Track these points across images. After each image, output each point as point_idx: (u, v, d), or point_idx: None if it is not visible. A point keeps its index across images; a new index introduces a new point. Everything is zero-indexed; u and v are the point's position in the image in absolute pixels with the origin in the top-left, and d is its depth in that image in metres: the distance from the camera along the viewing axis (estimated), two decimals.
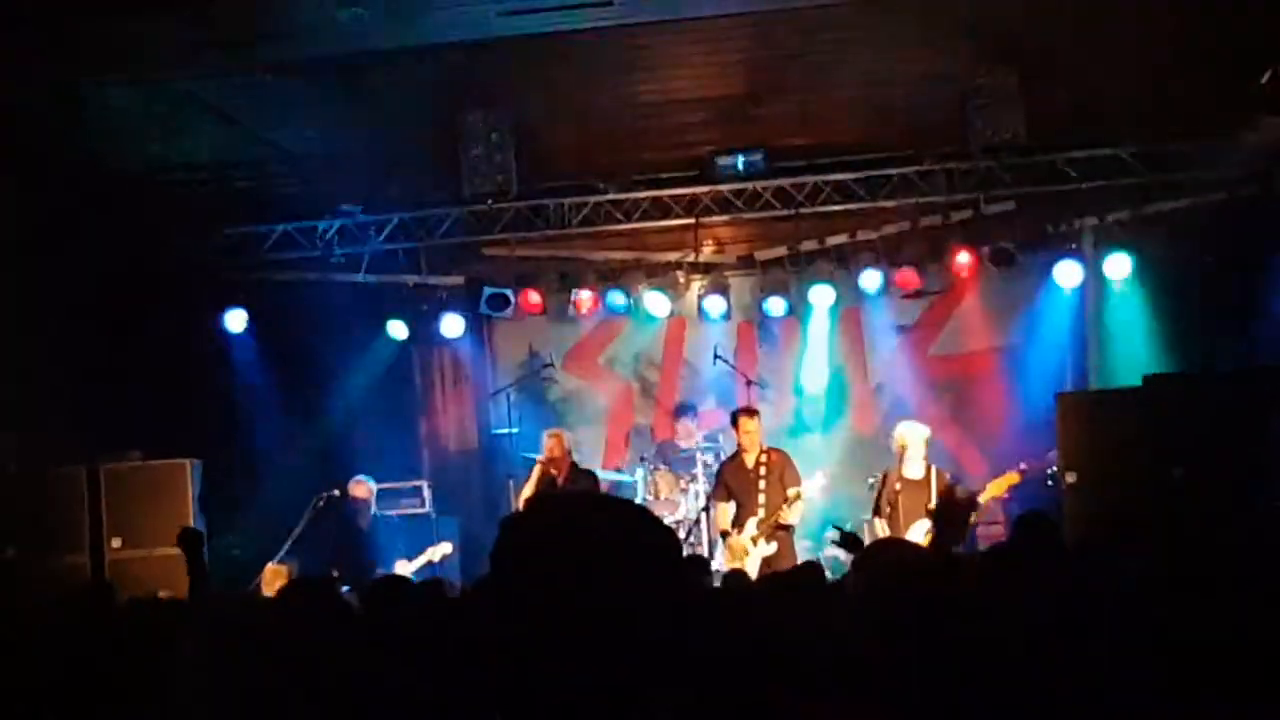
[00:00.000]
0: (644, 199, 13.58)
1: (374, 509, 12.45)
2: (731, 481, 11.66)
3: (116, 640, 5.41)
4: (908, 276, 13.45)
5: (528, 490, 12.17)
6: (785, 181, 13.32)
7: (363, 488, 12.36)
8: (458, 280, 14.15)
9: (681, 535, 11.71)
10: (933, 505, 10.91)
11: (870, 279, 13.46)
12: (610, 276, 14.12)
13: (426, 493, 13.67)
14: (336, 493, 12.18)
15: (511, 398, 13.74)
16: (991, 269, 13.34)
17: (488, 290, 13.77)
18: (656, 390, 14.67)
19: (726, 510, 11.61)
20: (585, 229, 13.77)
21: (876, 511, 11.39)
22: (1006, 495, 11.30)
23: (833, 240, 13.92)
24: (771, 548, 11.23)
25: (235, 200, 13.24)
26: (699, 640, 2.13)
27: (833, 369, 14.26)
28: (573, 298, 13.88)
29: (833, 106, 12.82)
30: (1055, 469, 11.60)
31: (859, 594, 3.83)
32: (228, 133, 11.96)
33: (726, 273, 14.17)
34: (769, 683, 4.03)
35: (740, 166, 13.36)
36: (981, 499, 10.98)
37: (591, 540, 2.06)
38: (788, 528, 11.38)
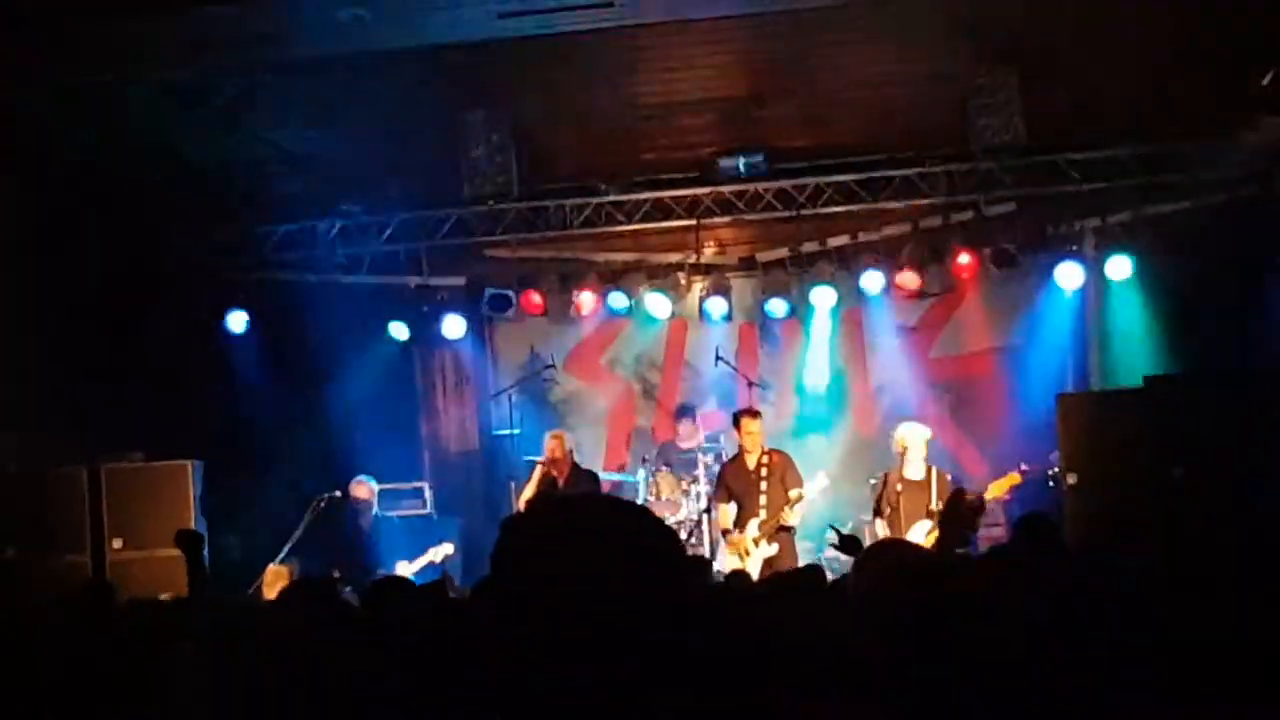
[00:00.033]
0: (645, 200, 13.58)
1: (375, 510, 12.45)
2: (733, 483, 11.67)
3: (116, 641, 5.42)
4: (908, 278, 13.43)
5: (529, 491, 12.17)
6: (786, 183, 13.32)
7: (364, 488, 12.36)
8: (459, 281, 14.14)
9: (683, 536, 11.71)
10: (934, 506, 10.91)
11: (871, 280, 13.45)
12: (611, 278, 14.11)
13: (428, 494, 13.66)
14: (338, 493, 12.18)
15: (513, 399, 13.73)
16: (992, 270, 13.33)
17: (489, 291, 13.77)
18: (658, 391, 14.66)
19: (728, 511, 11.61)
20: (586, 230, 13.77)
21: (877, 512, 11.39)
22: (1007, 496, 11.31)
23: (834, 241, 13.91)
24: (773, 549, 11.24)
25: (235, 200, 13.23)
26: (699, 641, 2.13)
27: (834, 370, 14.24)
28: (574, 299, 13.86)
29: (834, 108, 12.83)
30: (1056, 470, 11.60)
31: (860, 595, 3.83)
32: (228, 133, 11.96)
33: (728, 274, 14.15)
34: (770, 683, 4.03)
35: (741, 168, 13.35)
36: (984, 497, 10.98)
37: (592, 541, 2.06)
38: (789, 529, 11.38)
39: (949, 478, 11.33)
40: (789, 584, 5.64)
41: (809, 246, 13.92)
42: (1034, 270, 13.34)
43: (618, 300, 13.88)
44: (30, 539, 11.79)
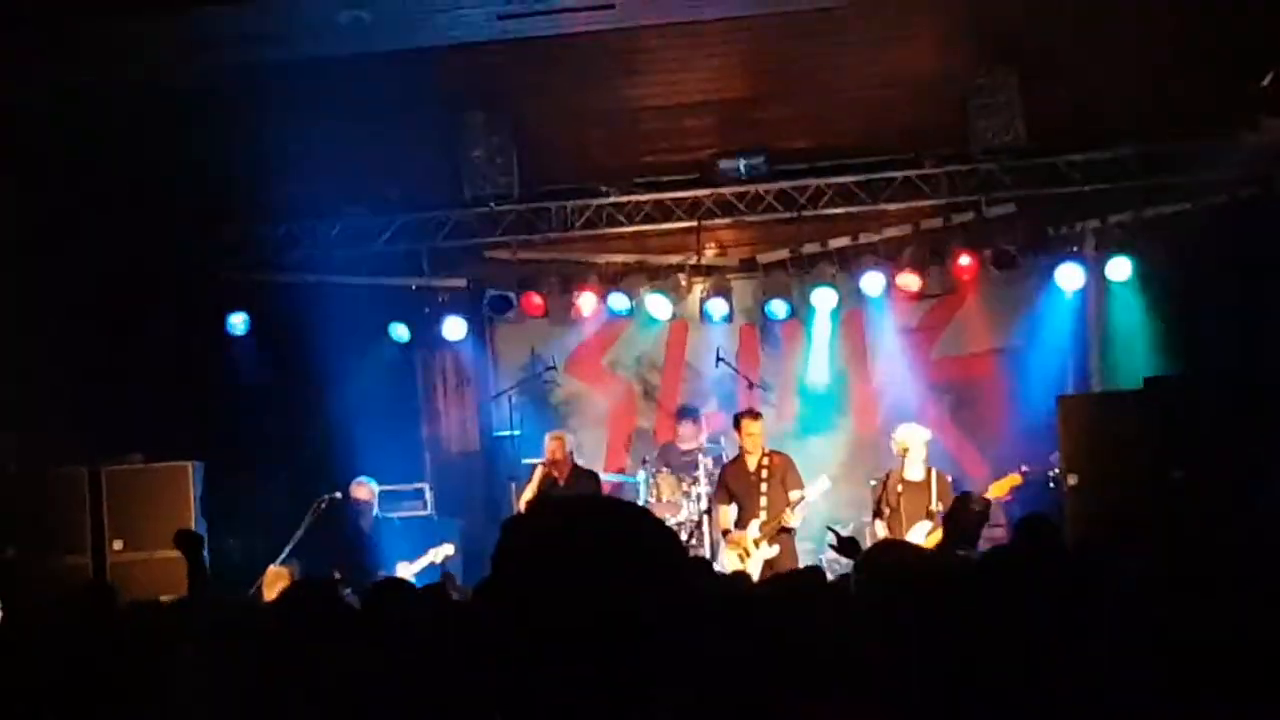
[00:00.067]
0: (646, 202, 13.58)
1: (376, 511, 12.44)
2: (733, 484, 11.67)
3: (117, 642, 5.42)
4: (909, 279, 13.42)
5: (529, 492, 12.16)
6: (787, 184, 13.33)
7: (364, 490, 12.35)
8: (459, 283, 14.13)
9: (683, 538, 11.70)
10: (934, 507, 10.91)
11: (872, 281, 13.44)
12: (612, 279, 14.10)
13: (428, 495, 13.66)
14: (338, 495, 12.16)
15: (513, 400, 13.72)
16: (993, 271, 13.33)
17: (489, 293, 13.76)
18: (658, 393, 14.65)
19: (728, 512, 11.61)
20: (587, 232, 13.78)
21: (877, 513, 11.40)
22: (1008, 497, 11.31)
23: (834, 243, 13.90)
24: (774, 550, 11.24)
25: (235, 200, 13.22)
26: (700, 641, 2.13)
27: (834, 371, 14.23)
28: (575, 300, 13.84)
29: (834, 109, 12.84)
30: (1057, 471, 11.61)
31: (860, 596, 3.83)
32: (228, 133, 11.96)
33: (728, 275, 14.15)
34: (770, 684, 4.03)
35: (742, 169, 13.35)
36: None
37: (592, 542, 2.06)
38: (790, 530, 11.39)
39: (949, 479, 11.34)
40: (789, 585, 5.64)
41: (810, 248, 13.91)
42: (1034, 271, 13.34)
43: (618, 302, 13.87)
44: (30, 540, 11.79)
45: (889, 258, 13.59)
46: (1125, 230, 13.22)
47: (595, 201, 13.59)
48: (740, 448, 11.78)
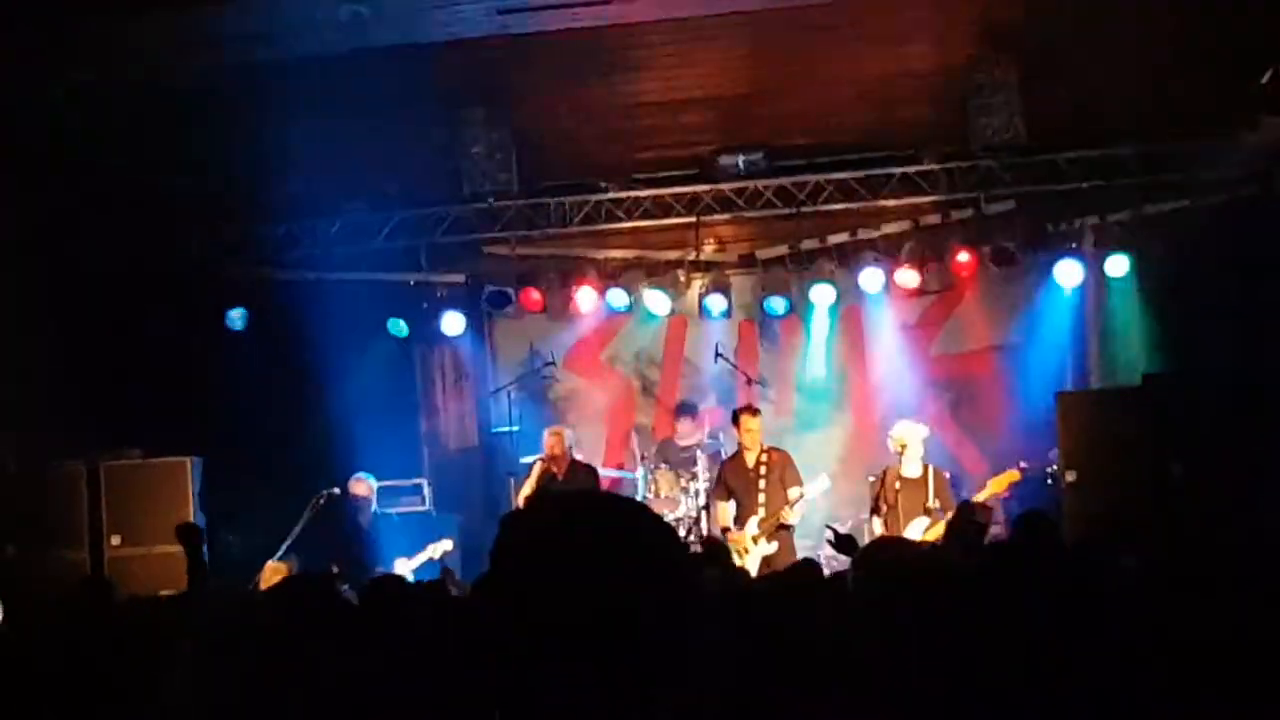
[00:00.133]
0: (645, 197, 13.58)
1: (374, 507, 12.45)
2: (732, 480, 11.67)
3: (115, 638, 5.41)
4: (908, 275, 13.41)
5: (528, 488, 12.15)
6: (786, 180, 13.32)
7: (363, 485, 12.35)
8: (458, 278, 14.13)
9: (681, 534, 11.71)
10: (931, 504, 10.93)
11: (871, 278, 13.44)
12: (611, 275, 14.09)
13: (427, 490, 13.65)
14: (337, 491, 12.16)
15: (512, 396, 13.72)
16: (992, 268, 13.32)
17: (488, 288, 13.76)
18: (657, 389, 14.64)
19: (727, 509, 11.62)
20: (586, 227, 13.77)
21: (874, 510, 11.41)
22: (1006, 494, 11.32)
23: (834, 239, 13.89)
24: (772, 547, 11.25)
25: (235, 200, 13.22)
26: (699, 639, 2.13)
27: (833, 368, 14.24)
28: (573, 296, 13.84)
29: (833, 105, 12.83)
30: (1055, 468, 11.61)
31: (858, 593, 3.83)
32: (228, 133, 11.95)
33: (727, 271, 14.14)
34: (769, 682, 4.03)
35: (741, 165, 13.35)
36: (981, 496, 10.98)
37: (591, 538, 2.06)
38: (788, 527, 11.39)
39: (947, 476, 11.36)
40: (787, 582, 5.64)
41: (809, 244, 13.91)
42: (1033, 268, 13.34)
43: (617, 297, 13.86)
44: (29, 536, 11.79)
45: (888, 254, 13.59)
46: (1124, 228, 13.22)
47: (594, 197, 13.59)
48: (739, 444, 11.79)
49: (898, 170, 13.23)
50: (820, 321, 13.99)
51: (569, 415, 14.27)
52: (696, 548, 11.81)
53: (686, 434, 13.28)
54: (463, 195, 13.15)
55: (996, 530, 11.43)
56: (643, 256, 14.32)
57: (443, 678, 4.37)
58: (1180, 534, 9.83)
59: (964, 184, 13.16)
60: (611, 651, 1.97)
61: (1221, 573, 4.82)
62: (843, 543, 8.45)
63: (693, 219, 13.65)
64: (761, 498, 11.42)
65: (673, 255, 14.20)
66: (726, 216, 13.74)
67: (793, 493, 11.29)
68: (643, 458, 13.35)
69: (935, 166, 13.14)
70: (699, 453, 12.78)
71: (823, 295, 13.59)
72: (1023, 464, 11.30)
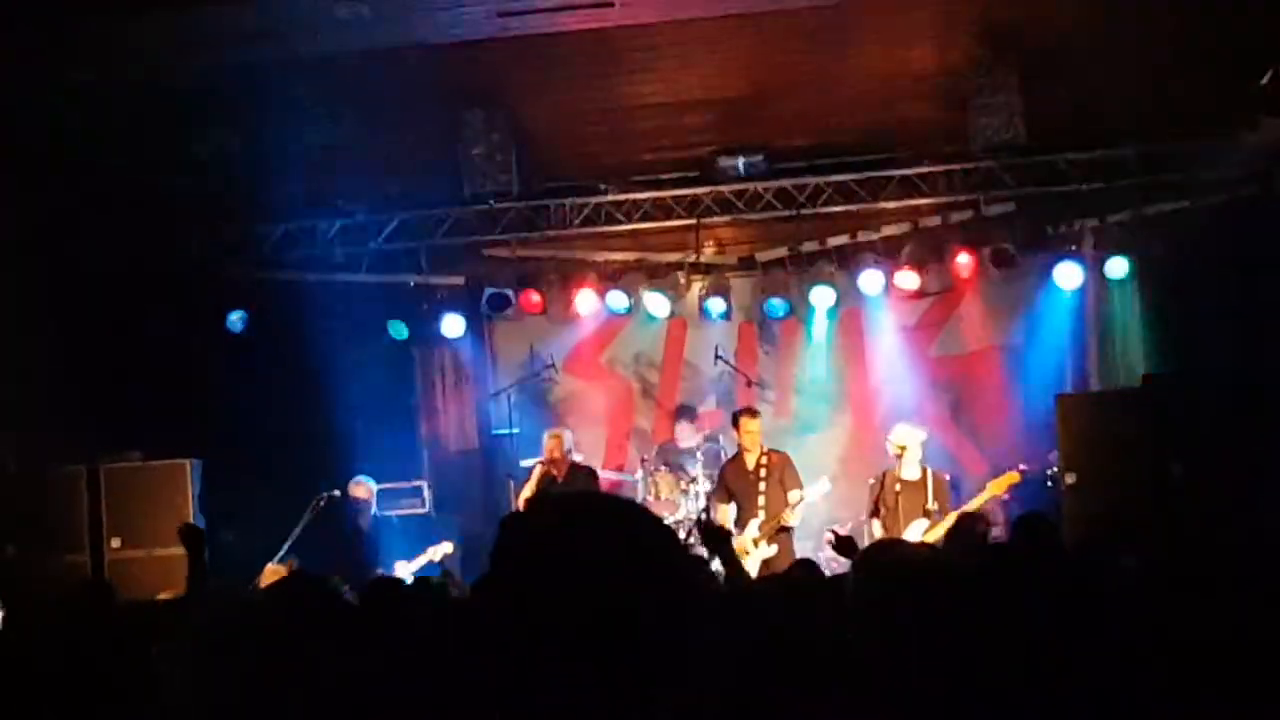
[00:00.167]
0: (645, 200, 13.58)
1: (374, 509, 12.45)
2: (732, 482, 11.67)
3: (115, 640, 5.41)
4: (908, 277, 13.41)
5: (528, 490, 12.16)
6: (786, 182, 13.32)
7: (363, 488, 12.35)
8: (458, 280, 14.12)
9: (681, 536, 11.70)
10: (930, 506, 10.93)
11: (871, 280, 13.43)
12: (611, 277, 14.09)
13: (427, 493, 13.65)
14: (337, 493, 12.16)
15: (512, 398, 13.73)
16: (992, 270, 13.31)
17: (488, 290, 13.76)
18: (657, 391, 14.64)
19: (727, 511, 11.61)
20: (586, 229, 13.77)
21: (874, 513, 11.41)
22: (1006, 495, 11.31)
23: (833, 241, 13.89)
24: (772, 549, 11.24)
25: (235, 200, 13.22)
26: (699, 639, 2.13)
27: (833, 370, 14.24)
28: (573, 298, 13.84)
29: (833, 107, 12.83)
30: (1055, 470, 11.61)
31: (858, 594, 3.83)
32: (228, 132, 11.95)
33: (727, 273, 14.14)
34: (769, 681, 4.03)
35: (741, 167, 13.35)
36: (981, 498, 10.99)
37: (591, 539, 2.05)
38: (788, 529, 11.39)
39: (946, 478, 11.36)
40: (787, 583, 5.64)
41: (808, 246, 13.91)
42: (1033, 270, 13.33)
43: (617, 299, 13.85)
44: (29, 538, 11.80)
45: (888, 256, 13.59)
46: (1124, 229, 13.22)
47: (594, 199, 13.59)
48: (739, 446, 11.79)
49: (897, 172, 13.22)
50: (820, 323, 13.99)
51: (569, 417, 14.27)
52: (698, 550, 11.84)
53: (686, 436, 13.27)
54: (463, 197, 13.15)
55: (996, 532, 11.45)
56: (643, 258, 14.32)
57: (443, 678, 4.37)
58: (1180, 534, 9.82)
59: (964, 185, 13.15)
60: (611, 652, 1.97)
61: (1221, 573, 4.82)
62: (843, 545, 8.45)
63: (693, 221, 13.65)
64: (761, 500, 11.42)
65: (673, 257, 14.20)
66: (726, 218, 13.73)
67: (793, 495, 11.29)
68: (642, 460, 13.35)
69: (935, 168, 13.14)
70: (699, 455, 12.79)
71: (822, 297, 13.59)
72: (1023, 466, 11.30)
